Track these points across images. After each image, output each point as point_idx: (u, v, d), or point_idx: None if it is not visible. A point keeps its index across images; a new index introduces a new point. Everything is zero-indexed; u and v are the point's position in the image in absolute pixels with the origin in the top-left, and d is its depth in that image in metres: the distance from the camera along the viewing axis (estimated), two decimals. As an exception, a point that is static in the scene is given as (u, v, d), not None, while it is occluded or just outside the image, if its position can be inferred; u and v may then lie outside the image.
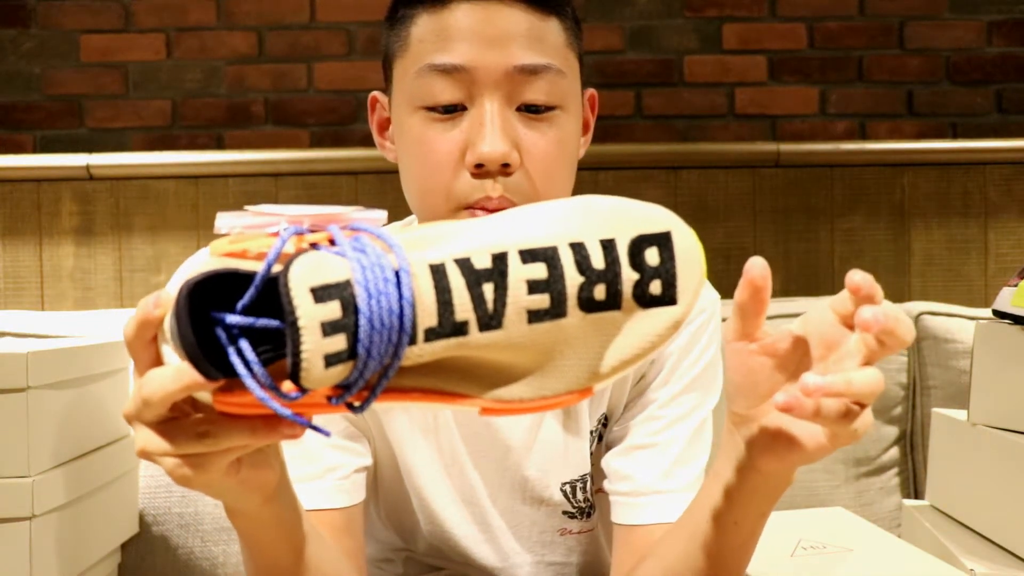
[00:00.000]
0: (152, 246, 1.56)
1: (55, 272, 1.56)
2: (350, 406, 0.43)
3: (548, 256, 0.44)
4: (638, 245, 0.45)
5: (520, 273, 0.43)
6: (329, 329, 0.39)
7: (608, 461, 0.81)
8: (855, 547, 0.84)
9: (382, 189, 1.57)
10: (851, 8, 1.75)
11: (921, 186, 1.63)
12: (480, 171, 0.71)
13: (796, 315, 1.45)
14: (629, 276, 0.45)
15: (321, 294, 0.39)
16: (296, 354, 0.39)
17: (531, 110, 0.72)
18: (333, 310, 0.39)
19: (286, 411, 0.41)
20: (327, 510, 0.74)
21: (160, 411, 0.45)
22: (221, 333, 0.40)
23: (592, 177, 1.58)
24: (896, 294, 1.61)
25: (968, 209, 1.64)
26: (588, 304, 0.45)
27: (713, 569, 0.63)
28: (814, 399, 0.47)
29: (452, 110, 0.72)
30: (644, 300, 0.46)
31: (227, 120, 1.71)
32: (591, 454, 0.83)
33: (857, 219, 1.63)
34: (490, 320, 0.43)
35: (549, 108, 0.72)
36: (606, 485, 0.80)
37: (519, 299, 0.43)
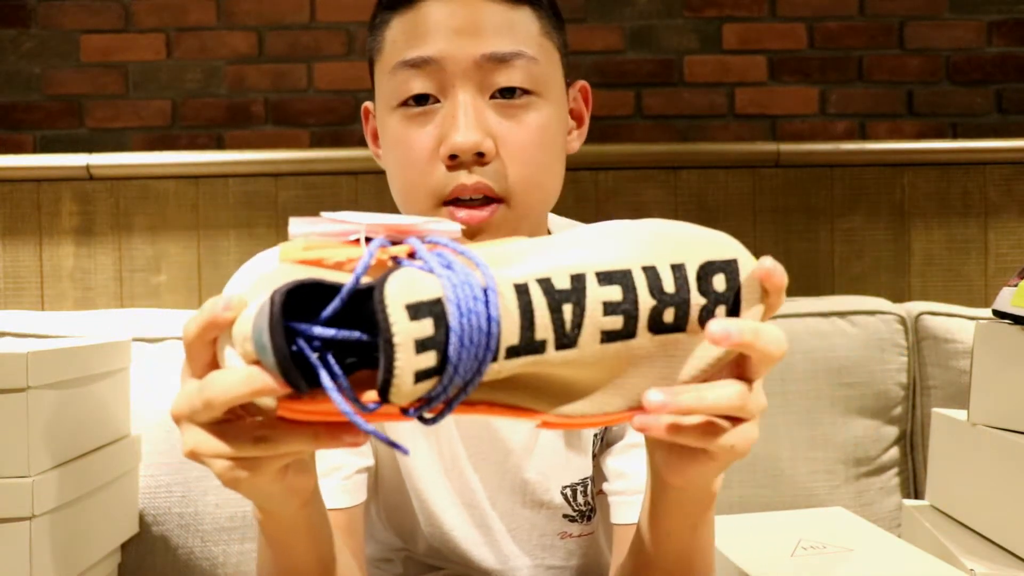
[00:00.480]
0: (152, 246, 1.56)
1: (55, 272, 1.56)
2: (421, 418, 0.43)
3: (623, 279, 0.45)
4: (706, 270, 0.47)
5: (597, 295, 0.45)
6: (421, 346, 0.40)
7: (605, 460, 0.81)
8: (855, 547, 0.84)
9: (382, 189, 1.56)
10: (851, 8, 1.75)
11: (921, 186, 1.63)
12: (455, 163, 0.70)
13: (796, 315, 1.44)
14: (696, 301, 0.46)
15: (415, 312, 0.40)
16: (389, 371, 0.39)
17: (505, 96, 0.71)
18: (426, 328, 0.40)
19: (370, 427, 0.41)
20: (330, 510, 0.74)
21: (219, 413, 0.44)
22: (304, 344, 0.40)
23: (592, 177, 1.58)
24: (896, 294, 1.61)
25: (968, 209, 1.64)
26: (657, 326, 0.46)
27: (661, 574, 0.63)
28: (664, 417, 0.45)
29: (424, 101, 0.72)
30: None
31: (227, 120, 1.71)
32: (593, 456, 0.83)
33: (857, 219, 1.63)
34: (566, 339, 0.44)
35: (525, 92, 0.72)
36: (604, 486, 0.80)
37: (595, 320, 0.44)
